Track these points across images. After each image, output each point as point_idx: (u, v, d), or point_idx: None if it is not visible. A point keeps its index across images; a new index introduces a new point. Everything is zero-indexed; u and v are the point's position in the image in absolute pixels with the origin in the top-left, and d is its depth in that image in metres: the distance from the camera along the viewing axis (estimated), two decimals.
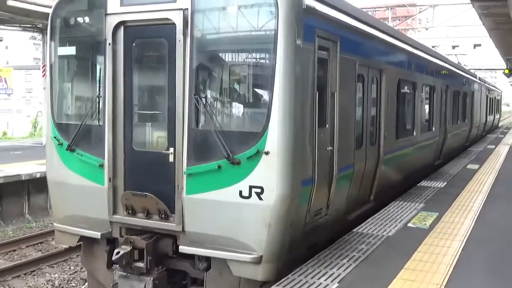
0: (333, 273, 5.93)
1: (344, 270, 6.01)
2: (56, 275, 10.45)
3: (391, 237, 7.41)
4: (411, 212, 8.90)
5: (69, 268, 10.89)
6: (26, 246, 12.05)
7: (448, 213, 8.85)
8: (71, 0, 7.19)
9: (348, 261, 6.33)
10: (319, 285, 5.61)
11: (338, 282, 5.67)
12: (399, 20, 42.20)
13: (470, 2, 21.86)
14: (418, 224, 8.10)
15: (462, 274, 5.95)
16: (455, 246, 6.97)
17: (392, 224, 8.08)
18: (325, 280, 5.73)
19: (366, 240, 7.19)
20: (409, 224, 8.09)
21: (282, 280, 5.76)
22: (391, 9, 34.72)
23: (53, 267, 10.91)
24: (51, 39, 7.29)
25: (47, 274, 10.56)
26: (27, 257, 11.31)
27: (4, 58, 77.08)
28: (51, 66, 7.35)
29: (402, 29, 34.26)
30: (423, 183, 12.04)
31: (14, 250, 11.78)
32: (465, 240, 7.25)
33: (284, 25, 5.86)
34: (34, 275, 10.51)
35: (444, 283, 5.62)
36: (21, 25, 20.16)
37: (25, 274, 10.48)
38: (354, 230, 7.75)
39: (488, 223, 8.35)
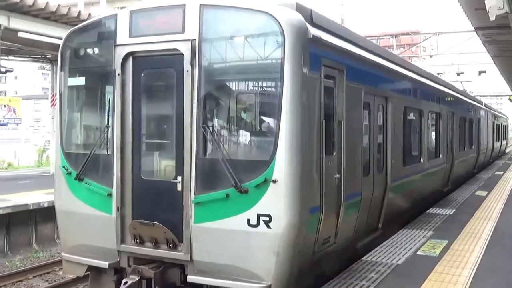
0: None
1: None
2: None
3: (400, 265, 7.34)
4: (420, 240, 8.83)
5: None
6: (33, 277, 11.90)
7: (458, 241, 8.77)
8: (81, 31, 7.33)
9: None
10: None
11: None
12: (404, 47, 42.49)
13: (473, 30, 22.03)
14: (427, 252, 8.03)
15: None
16: (466, 274, 6.90)
17: (401, 252, 8.01)
18: None
19: (375, 269, 7.12)
20: (419, 252, 8.02)
21: None
22: (395, 37, 35.00)
23: None
24: (61, 70, 7.41)
25: None
26: None
27: (13, 88, 77.94)
28: (60, 96, 7.45)
29: (407, 57, 34.48)
30: (432, 210, 11.95)
31: (21, 281, 11.65)
32: (475, 268, 7.18)
33: (291, 54, 5.93)
34: None
35: None
36: (31, 56, 20.45)
37: None
38: (363, 258, 7.69)
39: (499, 250, 8.26)
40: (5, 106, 20.49)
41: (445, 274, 6.89)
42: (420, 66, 22.10)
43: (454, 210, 11.92)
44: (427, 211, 11.86)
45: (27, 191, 15.83)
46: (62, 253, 7.44)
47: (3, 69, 16.97)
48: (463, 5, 18.04)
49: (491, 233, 9.45)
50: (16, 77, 77.75)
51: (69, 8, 16.01)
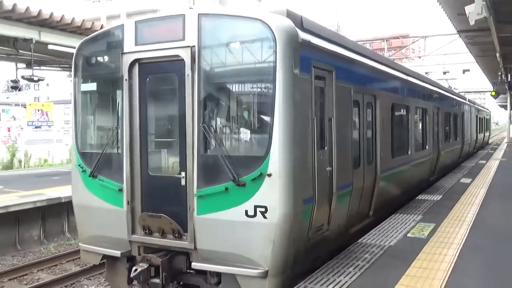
0: (340, 280, 5.76)
1: (350, 278, 5.83)
2: (93, 287, 10.31)
3: (392, 246, 7.21)
4: (410, 224, 8.65)
5: (104, 280, 10.67)
6: (67, 261, 11.92)
7: (444, 224, 8.60)
8: (92, 41, 7.16)
9: (354, 269, 6.15)
10: None
11: None
12: (394, 50, 41.95)
13: (457, 32, 21.62)
14: (417, 234, 7.87)
15: (459, 279, 5.78)
16: (452, 253, 6.77)
17: (393, 235, 7.86)
18: (333, 287, 5.55)
19: (370, 250, 7.00)
20: (409, 235, 7.88)
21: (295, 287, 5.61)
22: (386, 40, 34.53)
23: (91, 279, 10.75)
24: (74, 76, 7.24)
25: (85, 286, 10.42)
26: (67, 271, 11.17)
27: (46, 94, 78.29)
28: (75, 100, 7.28)
29: (397, 58, 34.00)
30: (421, 197, 11.70)
31: (56, 265, 11.68)
32: (460, 248, 7.05)
33: (282, 57, 5.72)
34: (74, 287, 10.38)
35: None
36: (60, 66, 20.43)
37: (66, 286, 10.36)
38: (359, 241, 7.54)
39: (481, 232, 8.09)
40: (39, 110, 20.44)
41: (433, 254, 6.77)
42: (409, 66, 21.68)
43: (441, 196, 11.68)
44: (416, 198, 11.60)
45: (59, 185, 15.80)
46: (80, 244, 7.31)
47: (35, 78, 17.01)
48: (446, 11, 17.69)
49: (475, 216, 9.25)
50: (48, 85, 77.99)
51: (93, 23, 16.05)
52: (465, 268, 6.15)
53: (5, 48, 15.85)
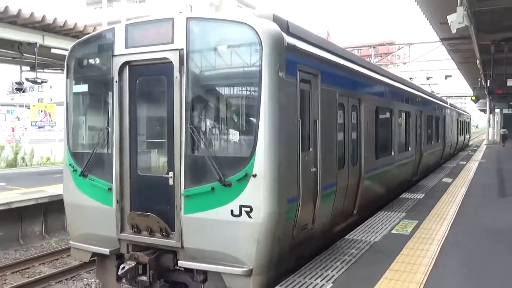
0: (328, 274, 5.66)
1: (337, 272, 5.75)
2: (92, 280, 10.08)
3: (377, 242, 7.10)
4: (394, 221, 8.51)
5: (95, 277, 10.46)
6: (67, 255, 11.54)
7: (427, 221, 8.48)
8: (84, 44, 6.91)
9: (341, 263, 6.05)
10: (315, 285, 5.37)
11: (332, 282, 5.42)
12: (381, 56, 41.76)
13: (439, 40, 21.49)
14: (400, 231, 7.75)
15: (439, 274, 5.68)
16: (433, 249, 6.70)
17: (378, 231, 7.73)
18: (321, 280, 5.46)
19: (356, 245, 6.90)
20: (393, 231, 7.75)
21: (284, 281, 5.45)
22: (373, 47, 34.35)
23: (90, 273, 10.51)
24: (67, 78, 6.99)
25: (84, 279, 10.23)
26: (68, 265, 10.96)
27: (49, 96, 77.50)
28: (67, 101, 7.02)
29: (383, 64, 33.83)
30: (404, 195, 11.52)
31: (57, 259, 11.49)
32: (441, 244, 6.96)
33: (268, 61, 5.49)
34: (74, 280, 10.19)
35: (424, 282, 5.41)
36: (63, 69, 20.15)
37: (66, 279, 10.18)
38: (346, 237, 7.38)
39: (461, 229, 7.96)
40: (42, 111, 20.16)
41: (415, 249, 6.69)
42: (394, 72, 21.48)
43: (423, 195, 11.51)
44: (400, 196, 11.41)
45: (60, 183, 15.44)
46: (70, 241, 7.04)
47: (39, 80, 16.79)
48: (429, 19, 17.54)
49: (455, 214, 9.11)
50: (51, 87, 76.86)
51: (94, 28, 15.86)
52: (445, 263, 6.08)
53: (10, 52, 15.73)
